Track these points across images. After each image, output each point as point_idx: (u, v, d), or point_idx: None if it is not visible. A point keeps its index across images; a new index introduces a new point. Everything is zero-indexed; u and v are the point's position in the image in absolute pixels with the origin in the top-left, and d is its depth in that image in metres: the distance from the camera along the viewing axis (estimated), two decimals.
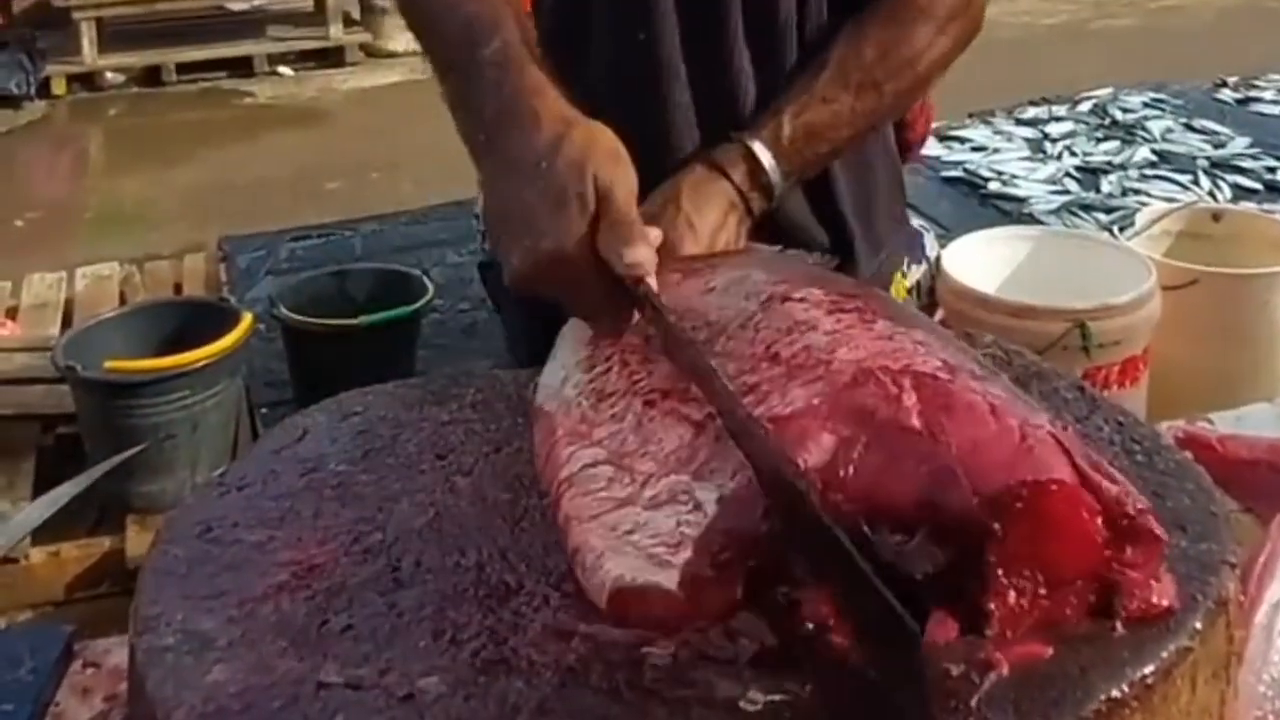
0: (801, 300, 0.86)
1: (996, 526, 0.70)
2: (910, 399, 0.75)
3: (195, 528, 0.90)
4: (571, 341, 0.97)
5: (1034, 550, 0.71)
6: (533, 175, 0.94)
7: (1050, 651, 0.70)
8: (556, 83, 1.01)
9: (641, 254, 0.91)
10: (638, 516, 0.75)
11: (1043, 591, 0.71)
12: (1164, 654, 0.70)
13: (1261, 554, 0.97)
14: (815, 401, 0.76)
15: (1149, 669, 0.69)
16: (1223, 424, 1.26)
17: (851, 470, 0.72)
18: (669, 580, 0.70)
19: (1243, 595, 0.83)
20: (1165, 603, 0.72)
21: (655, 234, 0.98)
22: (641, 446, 0.79)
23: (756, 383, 0.79)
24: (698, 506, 0.72)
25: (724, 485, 0.72)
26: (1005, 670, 0.69)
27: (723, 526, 0.71)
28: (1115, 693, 0.68)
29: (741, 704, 0.69)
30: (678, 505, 0.74)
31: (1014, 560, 0.71)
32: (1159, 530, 0.72)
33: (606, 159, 0.94)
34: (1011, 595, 0.71)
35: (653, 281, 0.92)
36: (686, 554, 0.71)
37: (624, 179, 0.94)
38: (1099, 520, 0.71)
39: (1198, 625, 0.72)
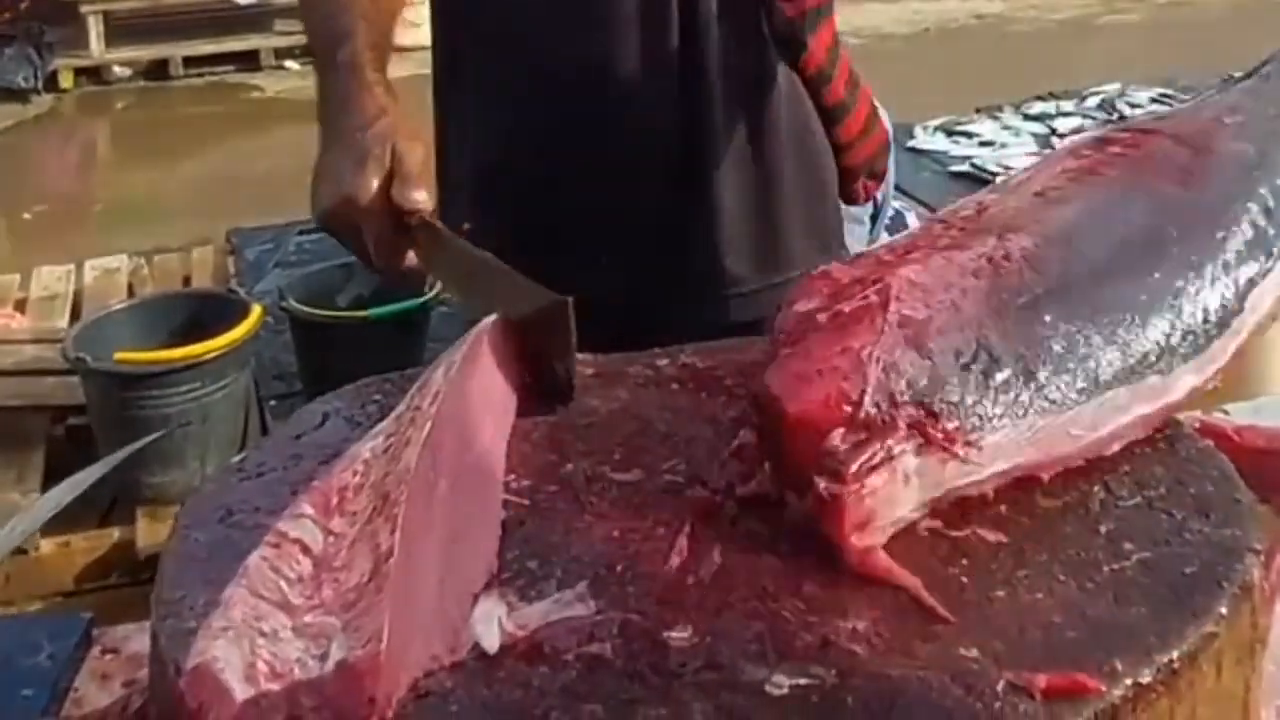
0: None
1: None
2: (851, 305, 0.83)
3: (216, 513, 0.90)
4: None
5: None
6: (348, 144, 1.22)
7: (1103, 689, 0.68)
8: (385, 84, 1.30)
9: (424, 196, 1.18)
10: (281, 627, 0.73)
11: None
12: (1189, 639, 0.70)
13: None
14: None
15: (1174, 654, 0.69)
16: (1240, 415, 1.26)
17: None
18: (242, 692, 0.68)
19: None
20: None
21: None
22: (342, 566, 0.76)
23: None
24: (324, 658, 0.70)
25: (354, 649, 0.69)
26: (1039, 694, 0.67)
27: (326, 691, 0.69)
28: (1141, 678, 0.68)
29: (767, 688, 0.69)
30: (314, 644, 0.71)
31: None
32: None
33: (406, 136, 1.21)
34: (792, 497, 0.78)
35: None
36: (274, 687, 0.69)
37: (416, 152, 1.21)
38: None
39: (1223, 611, 0.72)
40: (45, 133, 6.24)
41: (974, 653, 0.70)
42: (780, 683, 0.69)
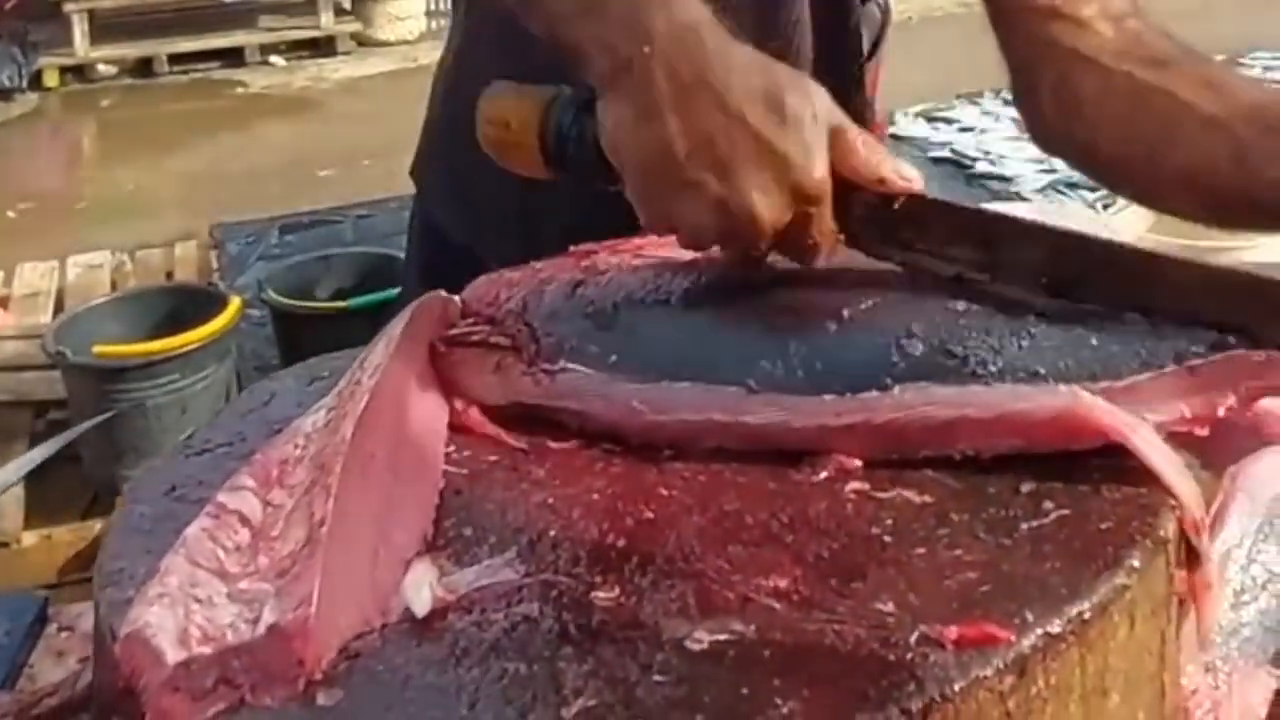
0: None
1: None
2: None
3: (161, 487, 0.91)
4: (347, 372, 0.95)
5: None
6: (748, 86, 0.85)
7: (1012, 639, 0.69)
8: None
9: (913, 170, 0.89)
10: (216, 593, 0.74)
11: None
12: (1100, 590, 0.71)
13: (1213, 505, 0.99)
14: None
15: (1085, 605, 0.70)
16: None
17: None
18: (174, 656, 0.70)
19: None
20: None
21: None
22: (279, 535, 0.78)
23: None
24: (255, 622, 0.71)
25: (285, 613, 0.71)
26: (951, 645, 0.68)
27: (256, 653, 0.70)
28: (1051, 628, 0.69)
29: (687, 644, 0.70)
30: (247, 609, 0.72)
31: None
32: None
33: (802, 79, 0.87)
34: None
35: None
36: (205, 651, 0.70)
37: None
38: None
39: (1135, 563, 0.73)
40: (30, 131, 6.24)
41: (890, 607, 0.71)
42: (700, 638, 0.70)
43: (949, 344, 0.83)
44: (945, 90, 4.65)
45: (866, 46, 1.41)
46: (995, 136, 4.14)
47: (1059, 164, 4.34)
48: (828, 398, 0.84)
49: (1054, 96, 1.18)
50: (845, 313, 0.87)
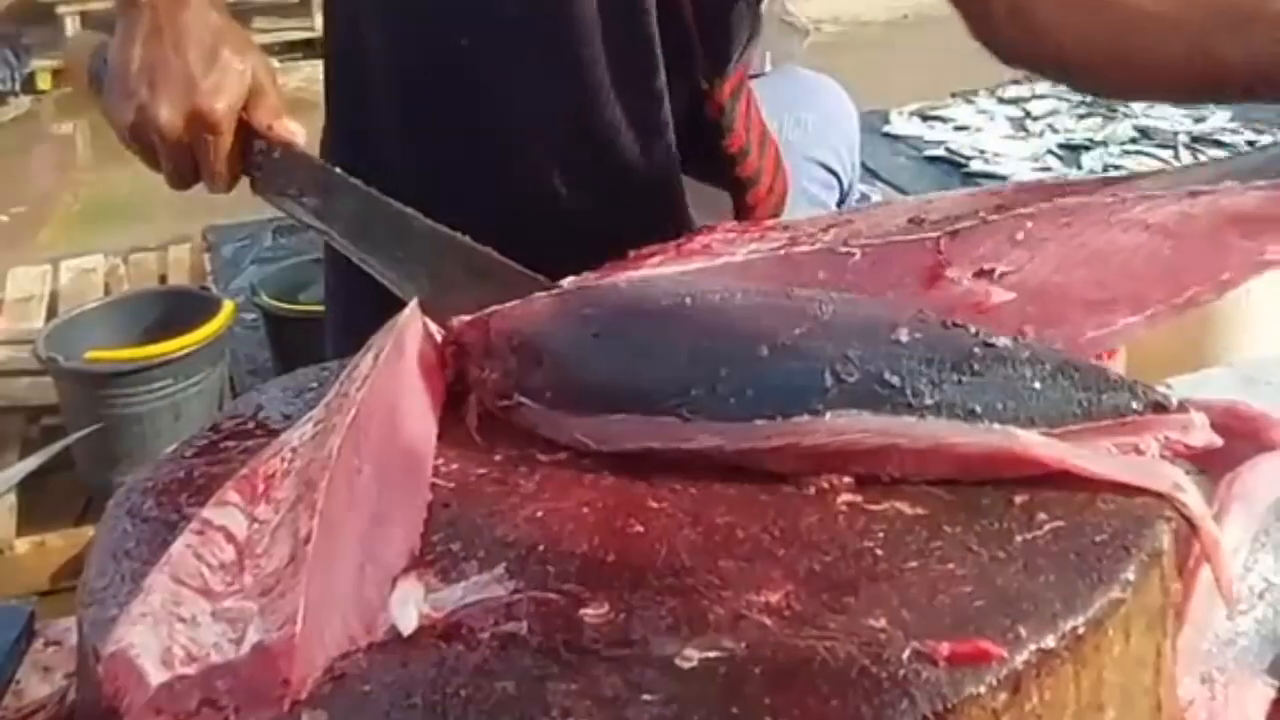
0: None
1: None
2: None
3: (146, 501, 0.90)
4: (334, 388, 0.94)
5: None
6: (197, 38, 1.11)
7: (1005, 655, 0.68)
8: None
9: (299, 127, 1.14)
10: (200, 611, 0.73)
11: None
12: (1095, 605, 0.70)
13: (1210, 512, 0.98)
14: None
15: (1079, 620, 0.69)
16: (1181, 388, 1.26)
17: None
18: (157, 676, 0.69)
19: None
20: None
21: None
22: (264, 552, 0.77)
23: None
24: (239, 642, 0.70)
25: (270, 632, 0.70)
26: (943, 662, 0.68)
27: (241, 673, 0.69)
28: (1045, 644, 0.68)
29: (677, 661, 0.69)
30: (231, 628, 0.71)
31: None
32: None
33: (250, 48, 1.14)
34: None
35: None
36: (189, 671, 0.69)
37: (268, 64, 1.16)
38: None
39: (1130, 576, 0.72)
40: (24, 135, 6.23)
41: (883, 623, 0.70)
42: (690, 656, 0.69)
43: (885, 373, 0.82)
44: (940, 89, 4.65)
45: (738, 49, 1.41)
46: (990, 135, 4.15)
47: (1054, 163, 4.33)
48: (759, 422, 0.82)
49: (1011, 22, 1.18)
50: (781, 339, 0.84)
